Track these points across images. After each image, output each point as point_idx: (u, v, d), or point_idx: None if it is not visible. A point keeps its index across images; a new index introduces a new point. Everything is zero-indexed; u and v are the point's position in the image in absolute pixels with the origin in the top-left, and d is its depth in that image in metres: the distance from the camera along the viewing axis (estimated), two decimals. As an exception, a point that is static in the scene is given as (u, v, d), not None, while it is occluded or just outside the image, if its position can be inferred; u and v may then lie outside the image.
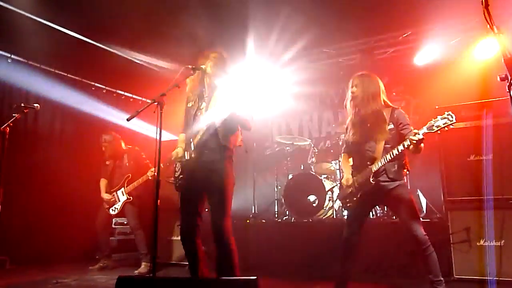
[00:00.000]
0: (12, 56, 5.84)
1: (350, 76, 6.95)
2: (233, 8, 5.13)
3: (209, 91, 2.96)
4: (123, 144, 5.52)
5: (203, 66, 2.94)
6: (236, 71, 2.92)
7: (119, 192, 5.27)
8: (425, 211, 5.47)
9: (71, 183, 5.86)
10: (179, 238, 4.91)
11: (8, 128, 3.40)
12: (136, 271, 4.97)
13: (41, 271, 5.03)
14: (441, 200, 4.48)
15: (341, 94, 7.43)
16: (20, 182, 5.50)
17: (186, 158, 2.86)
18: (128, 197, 5.18)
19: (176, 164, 2.96)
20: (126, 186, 5.23)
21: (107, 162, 5.45)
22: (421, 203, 5.59)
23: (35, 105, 3.78)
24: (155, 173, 4.99)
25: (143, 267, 5.01)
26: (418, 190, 5.69)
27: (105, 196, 5.28)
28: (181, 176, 2.87)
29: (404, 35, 6.45)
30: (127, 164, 5.38)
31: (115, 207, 5.24)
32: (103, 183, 5.41)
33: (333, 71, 7.24)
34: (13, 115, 3.53)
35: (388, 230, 4.63)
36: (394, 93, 6.39)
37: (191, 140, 2.87)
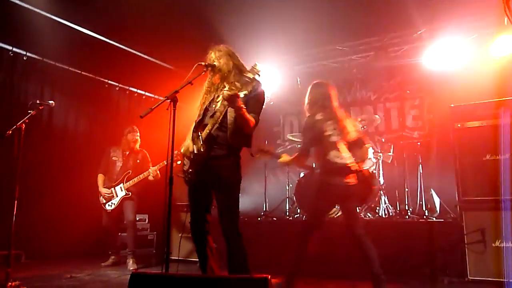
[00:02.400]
0: (28, 54, 5.92)
1: (363, 74, 7.00)
2: (245, 5, 5.12)
3: (224, 86, 2.94)
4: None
5: (215, 63, 2.92)
6: (249, 66, 2.85)
7: (118, 188, 5.29)
8: (438, 211, 5.41)
9: (85, 179, 5.90)
10: (189, 234, 4.96)
11: (24, 124, 3.44)
12: (130, 268, 5.00)
13: (55, 265, 5.10)
14: (455, 200, 4.42)
15: (354, 92, 7.39)
16: (35, 178, 5.58)
17: (194, 152, 2.83)
18: (127, 192, 5.22)
19: (184, 158, 2.96)
20: (125, 182, 5.25)
21: (114, 158, 5.44)
22: (434, 203, 5.52)
23: (50, 102, 3.82)
24: (158, 167, 5.08)
25: (132, 263, 5.09)
26: (432, 190, 5.63)
27: (103, 190, 5.29)
28: (190, 170, 2.87)
29: (418, 32, 6.36)
30: (138, 161, 5.41)
31: (112, 202, 5.25)
32: (101, 178, 5.40)
33: (346, 68, 7.18)
34: (29, 112, 3.56)
35: (401, 230, 4.59)
36: (408, 91, 6.35)
37: (200, 133, 2.85)
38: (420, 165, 5.51)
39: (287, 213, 6.06)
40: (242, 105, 2.65)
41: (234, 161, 2.84)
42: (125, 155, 5.46)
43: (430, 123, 6.52)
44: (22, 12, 5.31)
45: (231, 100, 2.61)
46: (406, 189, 5.40)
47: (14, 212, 3.30)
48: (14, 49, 5.77)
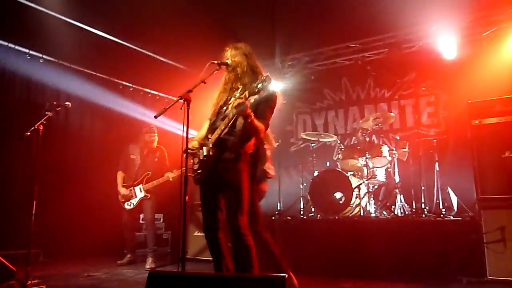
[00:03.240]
0: (44, 56, 6.02)
1: (377, 71, 6.92)
2: (259, 4, 5.12)
3: (237, 87, 2.94)
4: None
5: (228, 61, 2.92)
6: (262, 66, 2.84)
7: (137, 188, 5.31)
8: (456, 210, 5.32)
9: (101, 179, 5.99)
10: (202, 233, 4.98)
11: (41, 126, 3.50)
12: (147, 266, 5.04)
13: (73, 264, 5.18)
14: (473, 198, 4.35)
15: (367, 89, 7.32)
16: (52, 178, 5.67)
17: (204, 153, 2.86)
18: (146, 194, 5.24)
19: (193, 158, 2.97)
20: (145, 183, 5.27)
21: (133, 156, 5.46)
22: (451, 201, 5.43)
23: (67, 103, 3.88)
24: (176, 174, 5.07)
25: (151, 262, 5.12)
26: (449, 188, 5.54)
27: (122, 190, 5.32)
28: (199, 171, 2.89)
29: (433, 28, 6.27)
30: (156, 159, 5.44)
31: (131, 202, 5.28)
32: (120, 176, 5.43)
33: (359, 66, 7.12)
34: (46, 113, 3.62)
35: (417, 229, 4.53)
36: (423, 88, 6.25)
37: (209, 136, 2.88)
38: (437, 163, 5.42)
39: (302, 212, 6.03)
40: (251, 114, 2.65)
41: (242, 164, 2.85)
42: (143, 154, 5.47)
43: (446, 120, 6.41)
44: (38, 15, 5.40)
45: (240, 110, 2.62)
46: (422, 187, 5.31)
47: (33, 212, 3.35)
48: (31, 52, 5.89)
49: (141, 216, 6.39)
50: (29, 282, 3.30)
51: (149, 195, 5.25)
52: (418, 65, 6.65)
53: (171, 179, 5.16)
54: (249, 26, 5.17)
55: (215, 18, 5.26)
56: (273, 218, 5.85)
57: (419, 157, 5.63)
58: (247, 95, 2.61)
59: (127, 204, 5.29)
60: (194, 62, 6.45)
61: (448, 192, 5.51)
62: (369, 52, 7.00)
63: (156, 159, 5.45)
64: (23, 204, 5.17)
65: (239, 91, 2.92)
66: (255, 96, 2.77)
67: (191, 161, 2.98)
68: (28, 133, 3.45)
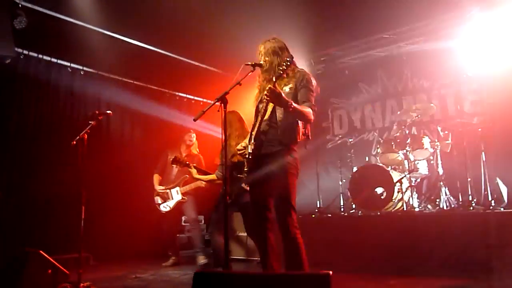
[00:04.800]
0: (84, 68, 6.29)
1: (414, 61, 6.69)
2: (290, 1, 5.10)
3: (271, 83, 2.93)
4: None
5: (262, 62, 2.92)
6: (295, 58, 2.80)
7: (174, 190, 5.34)
8: (506, 201, 5.06)
9: (142, 183, 6.16)
10: (244, 233, 5.00)
11: (86, 134, 3.65)
12: (201, 262, 5.08)
13: (121, 266, 5.36)
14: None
15: (405, 80, 7.11)
16: (97, 184, 5.88)
17: (248, 151, 2.85)
18: (183, 197, 5.26)
19: (243, 159, 2.98)
20: (182, 186, 5.30)
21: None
22: (501, 192, 5.17)
23: (108, 111, 4.01)
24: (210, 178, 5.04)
25: (202, 259, 5.12)
26: (497, 178, 5.28)
27: (159, 188, 5.33)
28: (246, 169, 2.89)
29: (471, 12, 5.99)
30: (194, 165, 5.42)
31: (167, 204, 5.28)
32: (156, 178, 5.48)
33: (395, 56, 6.92)
34: (89, 122, 3.76)
35: (465, 222, 4.34)
36: (465, 75, 5.98)
37: (252, 132, 2.87)
38: (483, 153, 5.18)
39: (342, 209, 5.95)
40: (289, 101, 2.60)
41: (287, 156, 2.78)
42: (188, 158, 5.39)
43: (492, 108, 6.10)
44: (77, 29, 5.65)
45: (275, 99, 2.58)
46: (469, 179, 5.09)
47: (82, 217, 3.50)
48: (72, 65, 6.16)
49: (183, 218, 6.55)
50: (82, 284, 3.44)
51: (186, 198, 5.27)
52: (458, 51, 6.36)
53: (203, 185, 5.14)
54: (281, 24, 5.15)
55: (247, 19, 5.27)
56: (313, 215, 5.81)
57: (464, 147, 5.40)
58: (273, 79, 2.59)
59: (163, 206, 5.30)
60: (227, 64, 6.56)
61: (497, 183, 5.25)
62: (404, 42, 6.80)
63: (194, 165, 5.42)
64: (71, 210, 5.40)
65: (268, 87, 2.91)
66: (290, 85, 2.75)
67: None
68: (74, 142, 3.60)
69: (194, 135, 5.61)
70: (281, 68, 2.59)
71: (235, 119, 4.02)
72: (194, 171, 4.50)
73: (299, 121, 2.83)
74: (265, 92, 2.59)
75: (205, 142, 6.05)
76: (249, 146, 2.86)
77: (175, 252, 5.54)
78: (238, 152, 2.94)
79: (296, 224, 2.74)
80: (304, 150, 3.02)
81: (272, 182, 2.80)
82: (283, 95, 2.60)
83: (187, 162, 4.55)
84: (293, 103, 2.62)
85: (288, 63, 2.55)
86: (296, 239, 2.71)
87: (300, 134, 2.85)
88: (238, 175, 2.98)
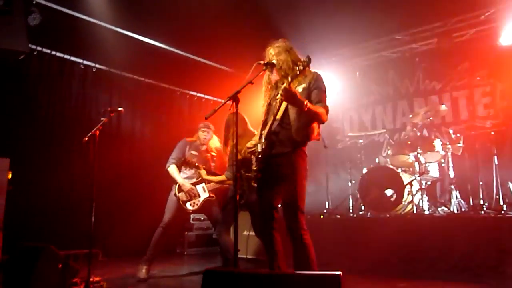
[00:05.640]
0: (96, 65, 6.34)
1: (427, 62, 6.63)
2: (302, 1, 5.09)
3: (282, 84, 2.94)
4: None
5: (274, 61, 2.92)
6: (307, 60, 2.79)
7: (199, 187, 4.64)
8: (518, 205, 5.00)
9: (151, 180, 6.20)
10: (252, 233, 4.98)
11: (98, 131, 3.67)
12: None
13: (129, 263, 5.38)
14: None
15: (417, 82, 7.05)
16: (107, 179, 5.93)
17: (258, 150, 2.85)
18: (211, 195, 4.63)
19: (252, 157, 2.98)
20: (207, 183, 4.62)
21: (193, 152, 4.76)
22: (513, 197, 5.11)
23: (120, 108, 4.03)
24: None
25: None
26: (509, 183, 5.21)
27: (186, 185, 4.55)
28: (255, 168, 2.88)
29: (486, 14, 5.93)
30: (213, 164, 4.89)
31: (194, 202, 4.56)
32: (175, 169, 4.62)
33: (407, 58, 6.87)
34: (101, 119, 3.79)
35: (476, 226, 4.29)
36: (478, 78, 5.92)
37: (262, 131, 2.87)
38: (495, 156, 5.12)
39: (351, 210, 5.92)
40: (305, 100, 2.60)
41: (298, 158, 2.78)
42: (201, 151, 4.83)
43: (504, 111, 6.02)
44: (89, 27, 5.70)
45: (290, 99, 2.58)
46: (480, 183, 5.03)
47: (93, 213, 3.53)
48: (85, 62, 6.21)
49: (191, 216, 6.58)
50: (92, 279, 3.47)
51: (214, 197, 4.67)
52: (471, 54, 6.31)
53: (227, 185, 4.53)
54: (292, 24, 5.15)
55: (258, 18, 5.27)
56: (322, 216, 5.79)
57: (476, 150, 5.34)
58: (289, 79, 2.57)
59: (190, 204, 4.55)
60: (238, 63, 6.56)
61: (509, 187, 5.19)
62: (417, 43, 6.75)
63: (213, 164, 4.88)
64: (80, 206, 5.48)
65: (282, 86, 2.91)
66: (303, 85, 2.74)
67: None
68: (86, 139, 3.63)
69: (209, 130, 4.83)
70: (297, 67, 2.57)
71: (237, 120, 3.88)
72: (204, 172, 4.33)
73: (313, 121, 2.81)
74: (280, 92, 2.58)
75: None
76: (259, 145, 2.86)
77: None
78: (248, 150, 2.93)
79: (305, 226, 2.73)
80: (316, 149, 3.01)
81: (281, 183, 2.79)
82: (298, 94, 2.59)
83: (196, 164, 4.41)
84: (308, 103, 2.62)
85: (306, 63, 2.53)
86: (304, 240, 2.70)
87: (315, 133, 2.84)
88: (246, 174, 2.97)
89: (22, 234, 5.08)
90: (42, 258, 3.17)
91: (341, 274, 1.62)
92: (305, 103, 2.60)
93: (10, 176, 4.51)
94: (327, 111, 2.78)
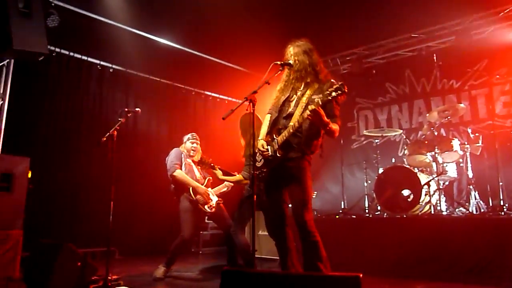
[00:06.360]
0: (113, 66, 6.42)
1: (444, 61, 6.54)
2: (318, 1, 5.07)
3: (299, 85, 2.95)
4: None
5: (290, 61, 2.92)
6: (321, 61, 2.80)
7: (210, 191, 4.60)
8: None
9: (167, 180, 6.23)
10: (266, 232, 4.96)
11: (115, 131, 3.72)
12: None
13: (146, 261, 5.45)
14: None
15: (434, 80, 6.95)
16: (125, 179, 6.01)
17: (270, 153, 2.91)
18: (219, 198, 4.65)
19: (257, 154, 2.99)
20: (212, 188, 4.64)
21: (189, 160, 4.66)
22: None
23: (137, 109, 4.08)
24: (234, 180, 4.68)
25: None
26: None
27: (201, 186, 4.49)
28: (264, 170, 2.93)
29: (506, 11, 5.81)
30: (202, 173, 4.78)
31: (212, 205, 4.50)
32: (184, 174, 4.49)
33: (423, 56, 6.77)
34: (119, 119, 3.83)
35: (496, 227, 4.20)
36: (497, 76, 5.80)
37: (275, 136, 2.92)
38: (516, 156, 5.01)
39: (367, 211, 5.87)
40: (329, 122, 2.70)
41: (306, 161, 2.90)
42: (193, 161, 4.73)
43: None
44: (106, 28, 5.78)
45: (318, 121, 2.66)
46: (500, 183, 4.93)
47: (111, 212, 3.57)
48: (102, 63, 6.30)
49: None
50: (110, 277, 3.52)
51: (221, 200, 4.67)
52: (490, 51, 6.19)
53: (227, 190, 4.69)
54: (308, 23, 5.13)
55: (274, 18, 5.26)
56: (337, 216, 5.76)
57: (495, 150, 5.23)
58: (319, 102, 2.60)
59: (208, 207, 4.47)
60: (254, 64, 6.58)
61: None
62: (434, 41, 6.66)
63: (219, 166, 4.49)
64: (97, 205, 5.56)
65: (301, 89, 2.94)
66: (320, 96, 2.74)
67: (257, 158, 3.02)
68: (104, 139, 3.68)
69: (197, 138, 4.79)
70: (329, 92, 2.58)
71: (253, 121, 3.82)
72: (219, 172, 4.18)
73: (322, 134, 2.92)
74: (308, 112, 2.64)
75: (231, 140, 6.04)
76: (270, 147, 2.93)
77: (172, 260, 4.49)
78: (262, 152, 2.96)
79: (313, 224, 2.80)
80: (330, 149, 3.06)
81: (290, 182, 2.88)
82: (325, 117, 2.66)
83: (212, 164, 4.34)
84: (330, 124, 2.71)
85: (339, 92, 2.56)
86: (313, 238, 2.76)
87: (319, 145, 2.96)
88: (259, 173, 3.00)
89: (41, 232, 5.18)
90: (61, 255, 3.23)
91: (361, 275, 1.60)
92: (329, 125, 2.70)
93: (30, 175, 4.61)
94: (339, 127, 2.87)
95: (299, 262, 2.92)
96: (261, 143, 2.99)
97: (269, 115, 3.11)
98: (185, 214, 4.43)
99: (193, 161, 4.62)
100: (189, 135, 4.77)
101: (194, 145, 4.70)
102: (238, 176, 4.20)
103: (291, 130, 2.82)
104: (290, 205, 2.98)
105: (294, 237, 2.96)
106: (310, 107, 2.62)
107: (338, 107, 2.88)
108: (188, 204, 4.42)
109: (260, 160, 2.99)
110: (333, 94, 2.55)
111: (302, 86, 2.93)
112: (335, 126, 2.80)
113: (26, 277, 3.36)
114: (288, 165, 2.88)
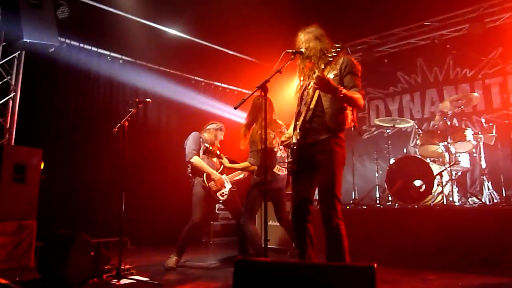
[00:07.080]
0: (123, 57, 6.43)
1: (457, 49, 6.41)
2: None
3: (312, 73, 2.89)
4: None
5: (302, 49, 2.87)
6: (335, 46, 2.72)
7: (223, 177, 4.57)
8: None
9: (177, 169, 6.26)
10: (276, 223, 4.95)
11: (126, 122, 3.72)
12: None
13: (157, 251, 5.51)
14: None
15: (446, 69, 6.84)
16: (137, 170, 6.06)
17: (293, 141, 2.81)
18: (233, 186, 4.63)
19: (286, 148, 2.95)
20: (227, 175, 4.62)
21: (207, 145, 4.49)
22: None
23: (148, 99, 4.07)
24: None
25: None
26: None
27: (216, 173, 4.49)
28: (290, 159, 2.84)
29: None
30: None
31: (224, 192, 4.50)
32: (199, 159, 4.49)
33: (436, 45, 6.65)
34: (130, 110, 3.83)
35: (509, 218, 4.15)
36: (512, 64, 5.69)
37: (296, 122, 2.83)
38: (531, 146, 4.93)
39: (378, 201, 5.84)
40: (339, 87, 2.56)
41: (334, 144, 2.71)
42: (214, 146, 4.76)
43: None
44: (116, 19, 5.78)
45: (324, 86, 2.53)
46: (514, 173, 4.87)
47: (123, 202, 3.60)
48: (112, 54, 6.31)
49: (217, 206, 6.64)
50: (123, 267, 3.56)
51: (235, 187, 4.67)
52: (504, 39, 6.06)
53: (242, 178, 4.64)
54: (318, 12, 5.06)
55: (284, 8, 5.20)
56: (348, 207, 5.74)
57: (509, 140, 5.15)
58: (322, 66, 2.53)
59: (220, 194, 4.49)
60: (263, 54, 6.53)
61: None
62: (447, 29, 6.54)
63: (226, 156, 4.52)
64: (109, 195, 5.61)
65: (315, 74, 2.87)
66: (334, 71, 2.69)
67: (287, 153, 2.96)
68: (116, 129, 3.69)
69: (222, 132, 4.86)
70: (330, 54, 2.52)
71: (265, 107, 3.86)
72: (226, 161, 4.26)
73: (347, 107, 2.76)
74: (313, 80, 2.54)
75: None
76: (294, 136, 2.82)
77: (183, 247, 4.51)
78: (283, 143, 2.91)
79: (340, 215, 2.67)
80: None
81: (317, 171, 2.74)
82: (331, 81, 2.55)
83: (219, 153, 4.31)
84: (343, 89, 2.57)
85: (338, 49, 2.48)
86: (339, 230, 2.64)
87: (349, 120, 2.79)
88: (281, 166, 2.95)
89: (55, 222, 5.26)
90: (75, 245, 3.27)
91: (376, 265, 1.59)
92: (340, 89, 2.54)
93: (42, 166, 4.66)
94: (363, 95, 2.71)
95: (318, 257, 2.86)
96: (285, 135, 2.94)
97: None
98: (197, 198, 4.51)
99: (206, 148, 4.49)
100: (220, 125, 4.82)
101: (222, 137, 4.79)
102: (244, 163, 4.20)
103: (306, 108, 2.73)
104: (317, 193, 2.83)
105: (316, 233, 2.85)
106: (313, 76, 2.53)
107: (358, 77, 2.76)
108: (201, 189, 4.48)
109: (289, 153, 2.88)
110: (334, 54, 2.49)
111: (317, 72, 2.87)
112: (356, 94, 2.64)
113: (41, 267, 3.41)
114: (314, 151, 2.73)
